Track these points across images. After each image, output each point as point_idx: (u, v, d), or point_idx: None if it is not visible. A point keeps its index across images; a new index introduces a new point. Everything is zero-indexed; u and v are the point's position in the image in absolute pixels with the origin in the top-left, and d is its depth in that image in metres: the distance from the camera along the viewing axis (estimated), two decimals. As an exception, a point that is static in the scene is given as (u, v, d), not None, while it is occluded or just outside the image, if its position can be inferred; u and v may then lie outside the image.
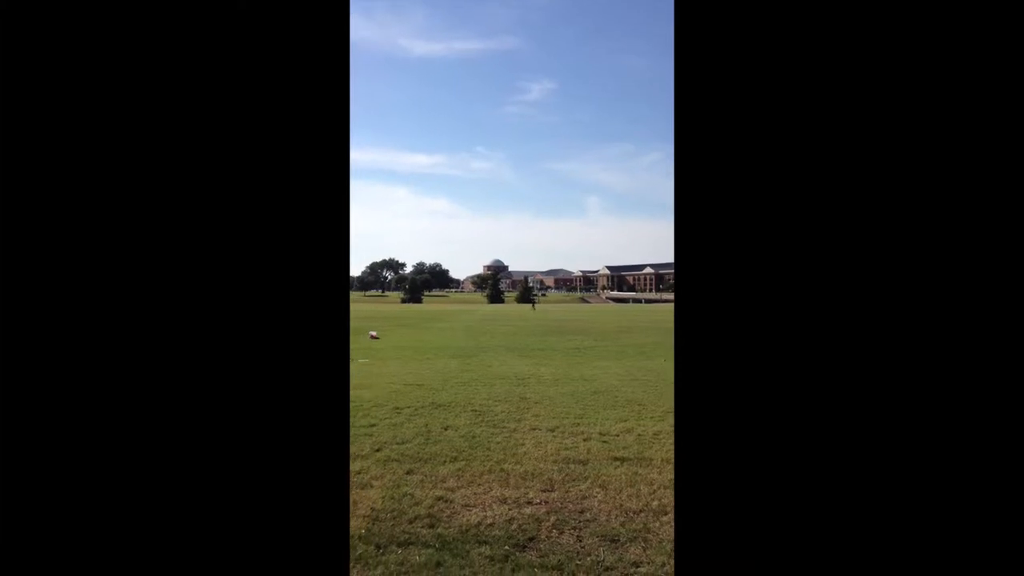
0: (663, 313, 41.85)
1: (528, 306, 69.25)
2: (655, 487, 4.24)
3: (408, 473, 4.55)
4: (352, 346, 13.25)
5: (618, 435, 5.78)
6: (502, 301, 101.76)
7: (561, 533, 3.49)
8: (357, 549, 3.24)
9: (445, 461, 4.86)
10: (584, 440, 5.58)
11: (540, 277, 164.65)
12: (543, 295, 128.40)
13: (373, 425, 6.13)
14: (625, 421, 6.40)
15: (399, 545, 3.30)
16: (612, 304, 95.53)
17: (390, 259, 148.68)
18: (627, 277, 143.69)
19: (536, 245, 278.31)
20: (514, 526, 3.57)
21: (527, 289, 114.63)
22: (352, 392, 8.33)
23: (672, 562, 3.08)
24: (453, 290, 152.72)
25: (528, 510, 3.82)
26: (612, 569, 3.07)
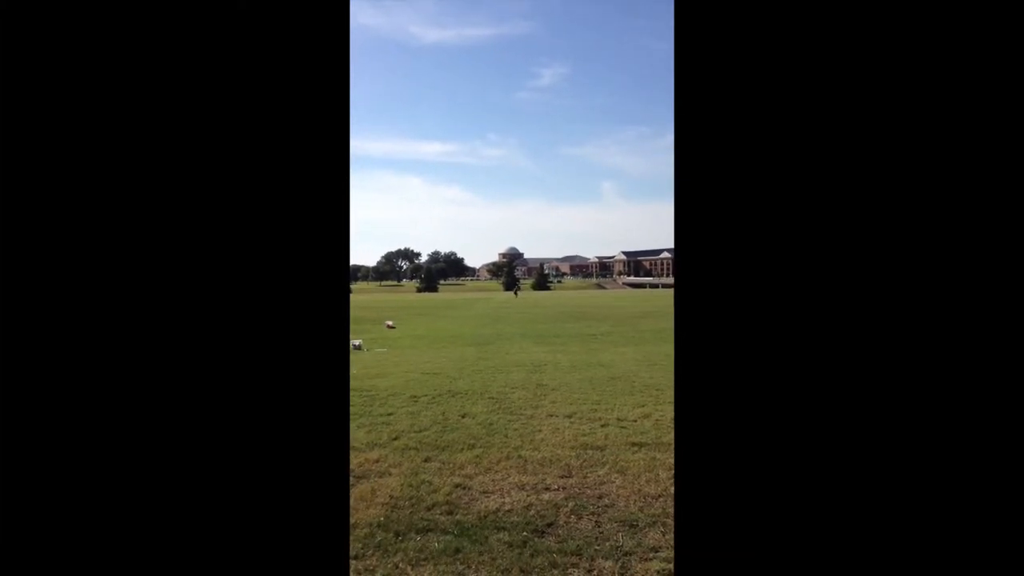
0: (680, 298, 41.60)
1: (510, 294, 65.41)
2: (673, 472, 4.22)
3: (426, 461, 4.57)
4: (369, 336, 13.31)
5: (636, 420, 5.77)
6: (518, 287, 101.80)
7: (579, 519, 3.49)
8: (376, 536, 3.26)
9: (463, 448, 4.88)
10: (602, 426, 5.57)
11: (556, 264, 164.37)
12: (559, 281, 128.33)
13: (391, 414, 6.16)
14: (643, 407, 6.38)
15: (418, 532, 3.32)
16: (628, 290, 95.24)
17: (405, 248, 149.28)
18: (644, 262, 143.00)
19: (551, 231, 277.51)
20: (532, 512, 3.57)
21: (543, 276, 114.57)
22: (369, 381, 8.40)
23: (691, 547, 3.06)
24: (469, 278, 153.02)
25: (546, 496, 3.83)
26: (631, 554, 3.06)
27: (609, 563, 2.97)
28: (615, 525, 3.39)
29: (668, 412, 6.07)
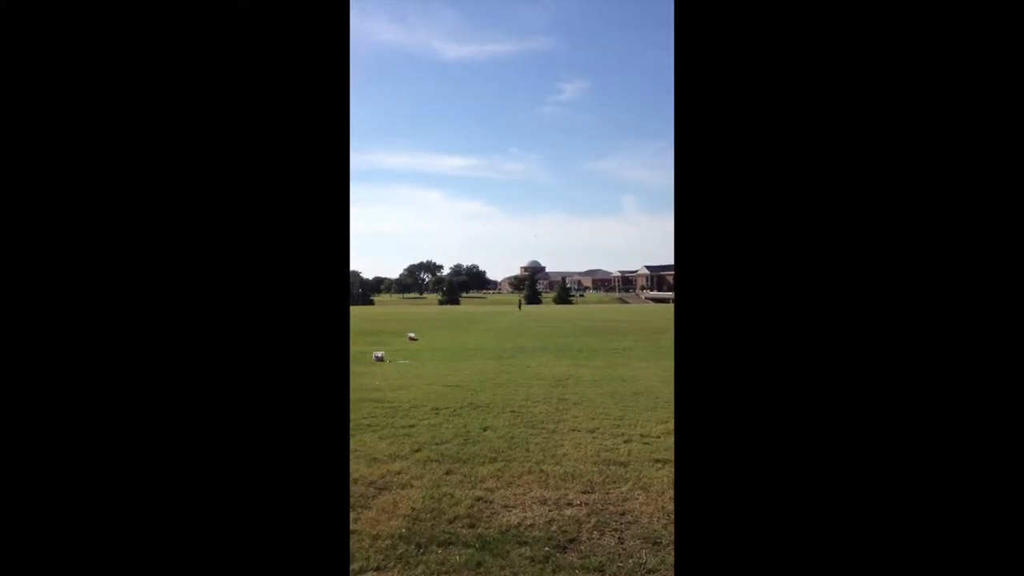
0: (703, 313, 41.23)
1: (523, 305, 62.33)
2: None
3: (447, 473, 4.56)
4: (391, 347, 13.36)
5: (659, 436, 5.70)
6: (539, 302, 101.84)
7: (602, 535, 3.45)
8: (398, 548, 3.26)
9: (484, 462, 4.86)
10: (624, 442, 5.52)
11: (578, 278, 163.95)
12: (581, 296, 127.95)
13: (412, 426, 6.17)
14: (666, 423, 6.31)
15: (439, 545, 3.31)
16: (651, 304, 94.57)
17: (427, 261, 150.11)
18: (667, 276, 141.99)
19: (573, 245, 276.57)
20: (554, 527, 3.54)
21: (565, 290, 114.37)
22: (391, 393, 8.43)
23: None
24: (490, 291, 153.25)
25: (568, 511, 3.80)
26: (654, 571, 3.02)
27: (632, 581, 2.93)
28: (638, 542, 3.35)
29: (692, 428, 6.00)
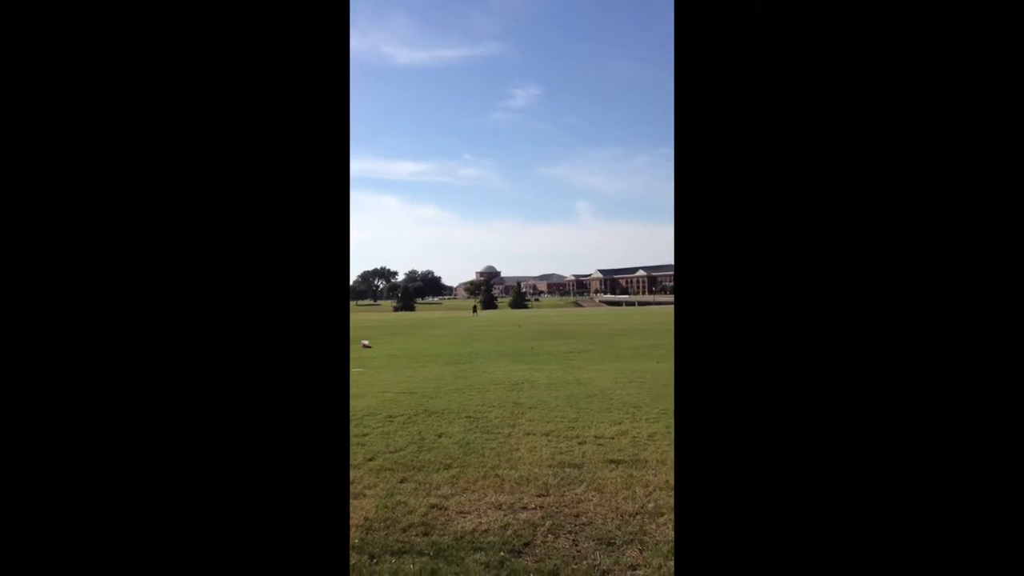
0: (657, 315, 41.94)
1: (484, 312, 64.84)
2: (650, 489, 4.22)
3: (401, 482, 4.51)
4: (344, 355, 12.96)
5: (613, 438, 5.76)
6: (495, 307, 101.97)
7: (556, 538, 3.46)
8: (351, 559, 3.20)
9: (439, 468, 4.83)
10: (579, 444, 5.55)
11: (533, 282, 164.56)
12: (536, 300, 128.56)
13: (366, 434, 6.08)
14: (620, 424, 6.38)
15: (393, 554, 3.26)
16: (605, 307, 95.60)
17: (382, 268, 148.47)
18: (620, 280, 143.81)
19: (528, 250, 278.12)
20: (509, 532, 3.54)
21: (520, 294, 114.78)
22: (345, 401, 8.25)
23: (668, 564, 3.05)
24: (446, 297, 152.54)
25: (523, 515, 3.80)
26: (609, 572, 3.04)
27: (586, 582, 2.94)
28: (592, 543, 3.37)
29: (645, 429, 6.08)
